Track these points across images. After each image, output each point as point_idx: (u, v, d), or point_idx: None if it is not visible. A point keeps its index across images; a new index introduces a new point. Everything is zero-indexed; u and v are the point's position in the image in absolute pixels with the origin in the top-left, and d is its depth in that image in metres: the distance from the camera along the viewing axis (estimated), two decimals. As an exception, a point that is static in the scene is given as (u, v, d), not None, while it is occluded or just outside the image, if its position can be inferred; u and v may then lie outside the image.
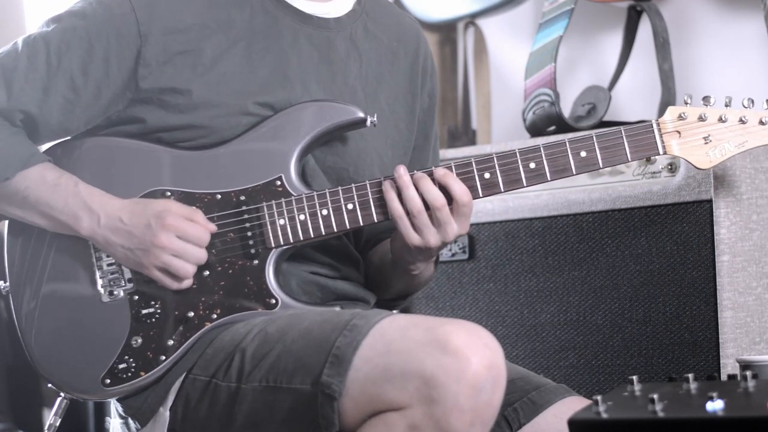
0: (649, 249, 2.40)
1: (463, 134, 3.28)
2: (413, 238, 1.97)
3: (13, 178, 1.99)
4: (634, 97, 3.07)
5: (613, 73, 3.01)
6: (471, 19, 3.31)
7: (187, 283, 1.98)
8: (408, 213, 1.97)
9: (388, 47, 2.16)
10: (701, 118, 2.04)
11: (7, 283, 2.05)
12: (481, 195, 2.01)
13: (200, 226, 1.97)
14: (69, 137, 2.08)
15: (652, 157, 2.40)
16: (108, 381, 1.99)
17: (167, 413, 1.98)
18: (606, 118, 2.70)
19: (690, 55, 3.00)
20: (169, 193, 2.02)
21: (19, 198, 2.01)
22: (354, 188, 2.00)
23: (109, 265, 2.02)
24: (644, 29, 2.99)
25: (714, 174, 2.32)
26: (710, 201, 2.33)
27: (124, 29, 2.01)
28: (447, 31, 3.38)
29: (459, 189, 1.96)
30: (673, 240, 2.38)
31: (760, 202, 2.35)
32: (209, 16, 2.04)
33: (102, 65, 2.02)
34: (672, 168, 2.39)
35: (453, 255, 2.65)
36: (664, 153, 2.03)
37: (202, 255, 1.97)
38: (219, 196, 2.02)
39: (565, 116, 2.69)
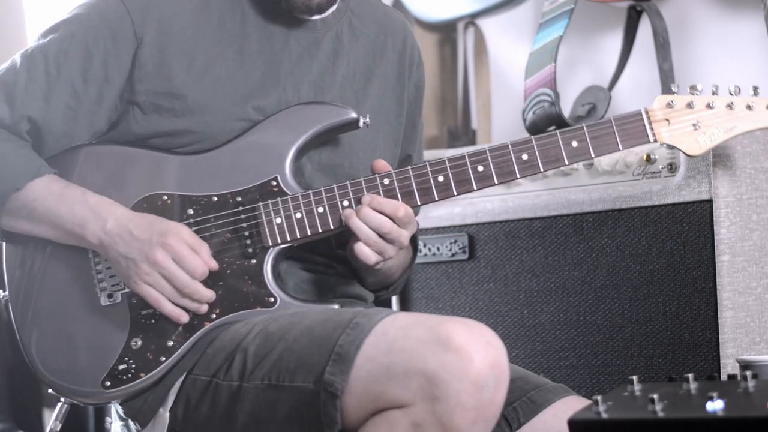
0: (649, 249, 2.40)
1: (463, 134, 3.29)
2: (376, 259, 2.00)
3: (23, 189, 2.00)
4: (634, 97, 3.07)
5: (613, 73, 3.01)
6: (471, 19, 3.31)
7: (169, 310, 1.96)
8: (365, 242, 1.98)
9: (374, 42, 2.17)
10: (689, 106, 2.07)
11: (6, 292, 2.06)
12: (475, 188, 2.02)
13: (200, 259, 1.96)
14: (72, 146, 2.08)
15: (651, 157, 2.41)
16: (108, 383, 1.99)
17: (167, 414, 1.98)
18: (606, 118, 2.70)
19: (690, 55, 3.00)
20: (166, 197, 2.02)
21: (27, 211, 2.01)
22: (349, 185, 2.01)
23: (107, 268, 2.02)
24: (644, 29, 2.99)
25: (714, 174, 2.32)
26: (710, 201, 2.33)
27: (120, 32, 2.02)
28: (447, 31, 3.38)
29: (390, 207, 1.98)
30: (673, 240, 2.38)
31: (760, 202, 2.35)
32: (202, 19, 2.05)
33: (101, 70, 2.03)
34: (672, 168, 2.39)
35: (453, 255, 2.65)
36: (654, 141, 2.05)
37: (189, 285, 1.95)
38: (215, 198, 2.02)
39: (565, 116, 2.69)
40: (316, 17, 2.10)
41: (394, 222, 1.98)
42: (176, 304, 1.97)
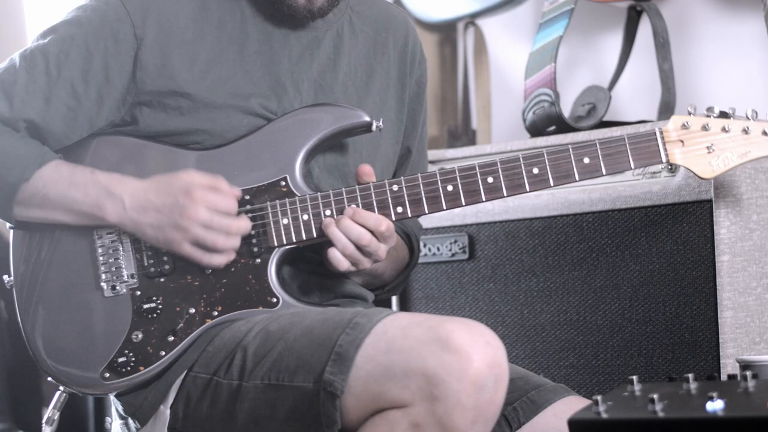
0: (649, 249, 2.40)
1: (463, 134, 3.28)
2: (347, 267, 2.00)
3: (31, 178, 2.00)
4: (634, 97, 3.07)
5: (613, 73, 3.02)
6: (471, 19, 3.31)
7: (219, 259, 1.98)
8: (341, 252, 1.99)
9: (375, 39, 2.17)
10: (705, 128, 2.06)
11: (12, 278, 2.06)
12: (484, 199, 2.03)
13: (226, 195, 1.97)
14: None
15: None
16: (107, 375, 2.00)
17: (167, 411, 1.98)
18: (606, 118, 2.70)
19: (690, 55, 3.00)
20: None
21: (39, 198, 2.01)
22: (358, 189, 2.01)
23: (114, 260, 2.02)
24: (644, 29, 2.99)
25: (714, 174, 2.32)
26: (710, 201, 2.33)
27: (120, 33, 2.02)
28: (447, 31, 3.39)
29: (372, 222, 1.98)
30: (673, 240, 2.38)
31: (760, 202, 2.35)
32: (202, 19, 2.06)
33: (101, 71, 2.03)
34: (672, 168, 2.39)
35: (453, 255, 2.65)
36: (667, 162, 2.04)
37: (232, 224, 1.96)
38: (224, 195, 2.03)
39: (565, 116, 2.69)
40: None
41: (375, 236, 1.98)
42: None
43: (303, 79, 2.09)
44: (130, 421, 2.04)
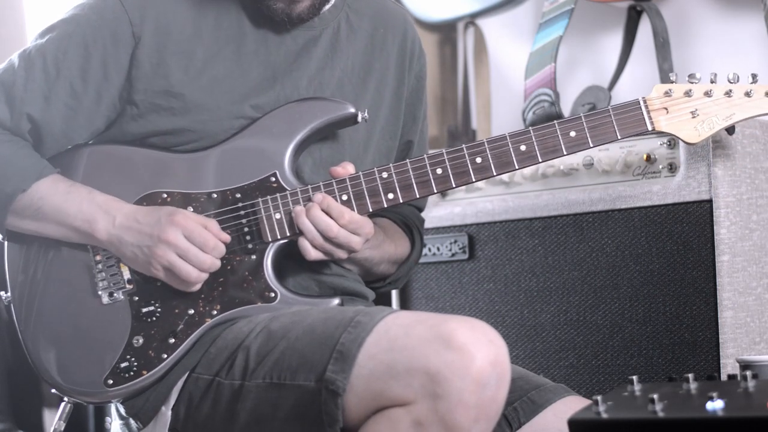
0: (649, 249, 2.40)
1: (463, 134, 3.29)
2: (316, 256, 2.00)
3: (28, 189, 2.00)
4: (634, 97, 3.06)
5: (613, 73, 3.02)
6: (471, 19, 3.31)
7: (195, 288, 1.99)
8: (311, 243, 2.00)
9: (373, 36, 2.18)
10: (687, 94, 2.07)
11: (9, 294, 2.06)
12: (473, 179, 2.03)
13: (209, 233, 1.97)
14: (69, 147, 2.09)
15: (651, 157, 2.40)
16: (111, 381, 2.00)
17: (169, 412, 1.99)
18: (606, 118, 2.70)
19: (690, 55, 3.00)
20: (165, 195, 2.03)
21: (33, 210, 2.01)
22: (348, 180, 2.01)
23: (108, 267, 2.02)
24: (644, 29, 2.99)
25: (714, 174, 2.32)
26: (710, 201, 2.33)
27: (118, 32, 2.02)
28: (447, 31, 3.39)
29: (335, 212, 1.99)
30: (673, 240, 2.38)
31: (760, 202, 2.35)
32: (199, 19, 2.06)
33: (100, 70, 2.03)
34: (672, 168, 2.39)
35: (453, 255, 2.65)
36: (653, 129, 2.06)
37: (206, 259, 1.97)
38: (215, 195, 2.03)
39: (565, 116, 2.69)
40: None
41: (341, 227, 1.99)
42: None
43: (301, 77, 2.09)
44: (131, 421, 2.04)
